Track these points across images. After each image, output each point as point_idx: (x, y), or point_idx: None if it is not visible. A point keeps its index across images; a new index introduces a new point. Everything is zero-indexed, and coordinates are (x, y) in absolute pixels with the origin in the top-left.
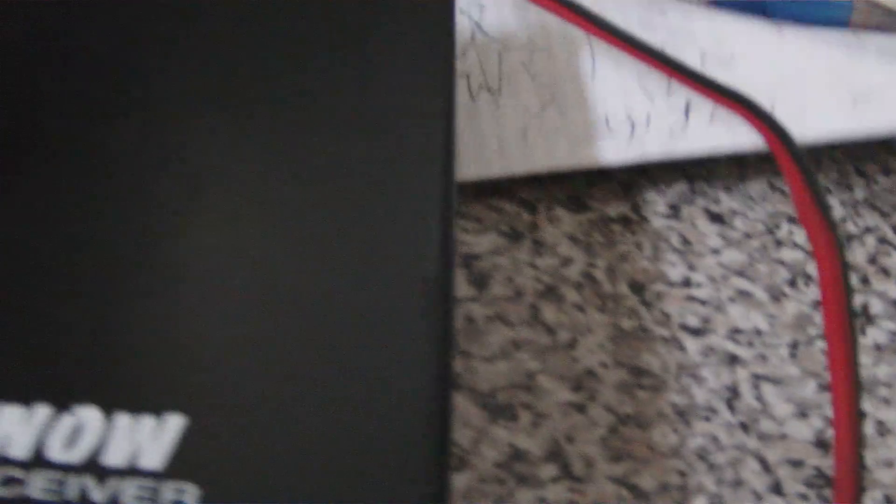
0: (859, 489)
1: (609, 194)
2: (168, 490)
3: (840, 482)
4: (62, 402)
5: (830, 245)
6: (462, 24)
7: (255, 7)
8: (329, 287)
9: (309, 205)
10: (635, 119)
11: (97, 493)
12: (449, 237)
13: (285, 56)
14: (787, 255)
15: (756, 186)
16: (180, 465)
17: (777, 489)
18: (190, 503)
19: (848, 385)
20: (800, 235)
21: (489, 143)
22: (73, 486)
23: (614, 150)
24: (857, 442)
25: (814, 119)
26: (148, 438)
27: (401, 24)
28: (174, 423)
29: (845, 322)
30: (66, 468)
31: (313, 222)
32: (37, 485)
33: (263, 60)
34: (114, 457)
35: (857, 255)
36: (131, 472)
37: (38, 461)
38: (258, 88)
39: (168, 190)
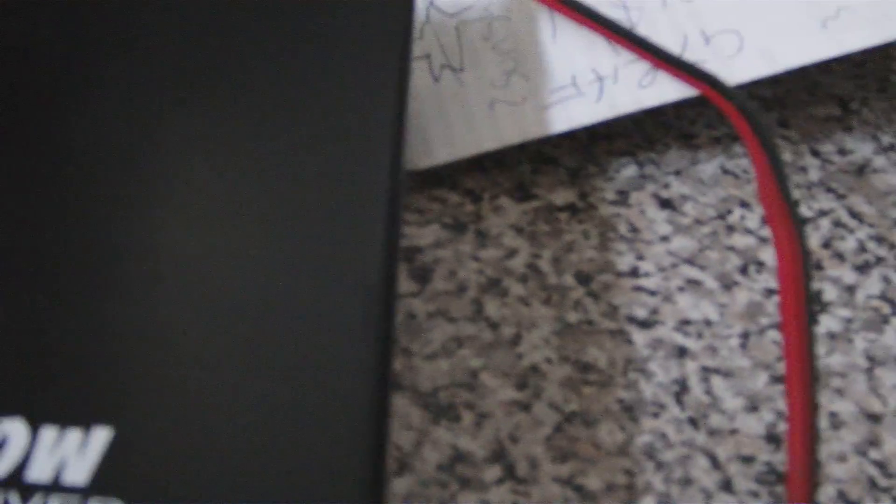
0: (813, 485)
1: (555, 181)
2: None
3: (793, 478)
4: None
5: (791, 235)
6: (416, 4)
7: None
8: (268, 287)
9: (254, 203)
10: (602, 73)
11: None
12: (394, 237)
13: (239, 46)
14: (739, 241)
15: (708, 169)
16: (106, 479)
17: (727, 486)
18: None
19: (803, 376)
20: (752, 220)
21: (456, 124)
22: None
23: (585, 110)
24: (810, 436)
25: (784, 46)
26: (73, 452)
27: (357, 13)
28: (100, 437)
29: (802, 311)
30: None
31: (257, 221)
32: None
33: (218, 54)
34: (38, 472)
35: (812, 239)
36: (55, 487)
37: None
38: (212, 83)
39: (104, 189)
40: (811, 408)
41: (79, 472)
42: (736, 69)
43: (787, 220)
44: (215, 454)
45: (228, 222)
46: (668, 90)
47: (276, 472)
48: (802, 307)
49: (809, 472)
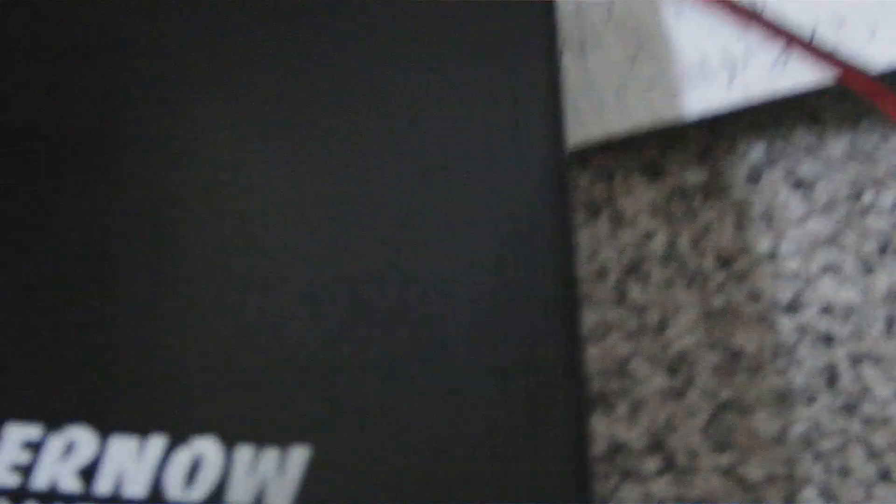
0: None
1: (685, 159)
2: None
3: None
4: (179, 435)
5: None
6: None
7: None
8: (453, 289)
9: (427, 203)
10: (732, 56)
11: None
12: (566, 226)
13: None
14: (874, 222)
15: (837, 149)
16: (307, 500)
17: (886, 476)
18: None
19: None
20: (886, 200)
21: (585, 109)
22: None
23: (717, 95)
24: None
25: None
26: (273, 473)
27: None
28: (299, 456)
29: None
30: None
31: (432, 222)
32: None
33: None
34: (236, 493)
35: None
36: None
37: (156, 498)
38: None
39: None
40: None
41: (280, 494)
42: (867, 57)
43: None
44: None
45: (401, 225)
46: (803, 75)
47: (482, 474)
48: None
49: None
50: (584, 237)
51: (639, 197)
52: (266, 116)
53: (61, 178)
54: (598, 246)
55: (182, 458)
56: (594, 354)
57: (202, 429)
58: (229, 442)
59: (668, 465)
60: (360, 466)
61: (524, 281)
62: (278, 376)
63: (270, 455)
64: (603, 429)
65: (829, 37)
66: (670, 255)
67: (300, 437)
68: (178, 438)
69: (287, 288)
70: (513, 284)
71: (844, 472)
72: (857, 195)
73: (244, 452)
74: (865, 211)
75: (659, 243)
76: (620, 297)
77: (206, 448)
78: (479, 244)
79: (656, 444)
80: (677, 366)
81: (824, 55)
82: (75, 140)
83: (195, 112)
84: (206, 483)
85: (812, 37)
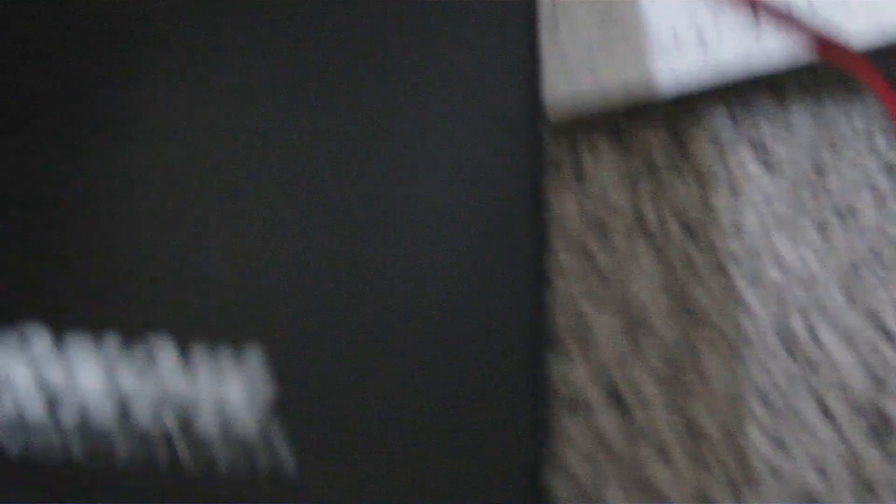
0: None
1: (647, 122)
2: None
3: None
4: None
5: None
6: None
7: None
8: (416, 253)
9: (400, 160)
10: (704, 31)
11: (188, 457)
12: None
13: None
14: (834, 185)
15: (799, 117)
16: (262, 399)
17: (828, 417)
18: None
19: None
20: (844, 165)
21: (557, 82)
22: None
23: (691, 70)
24: None
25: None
26: (228, 372)
27: None
28: (254, 356)
29: None
30: (154, 433)
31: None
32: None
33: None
34: (191, 392)
35: None
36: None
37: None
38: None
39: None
40: None
41: (235, 392)
42: (842, 29)
43: None
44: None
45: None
46: (777, 48)
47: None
48: None
49: None
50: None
51: (601, 156)
52: (237, 90)
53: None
54: (559, 202)
55: (137, 356)
56: (549, 301)
57: (157, 327)
58: (184, 341)
59: (618, 405)
60: (316, 369)
61: (496, 250)
62: (236, 277)
63: (225, 354)
64: (557, 371)
65: (804, 8)
66: (631, 213)
67: (255, 337)
68: (132, 336)
69: (252, 195)
70: (484, 253)
71: (790, 412)
72: (816, 161)
73: (199, 351)
74: (826, 177)
75: (619, 201)
76: (582, 252)
77: (161, 346)
78: (452, 209)
79: (608, 387)
80: (633, 316)
81: (800, 27)
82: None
83: (172, 84)
84: (160, 381)
85: (788, 8)
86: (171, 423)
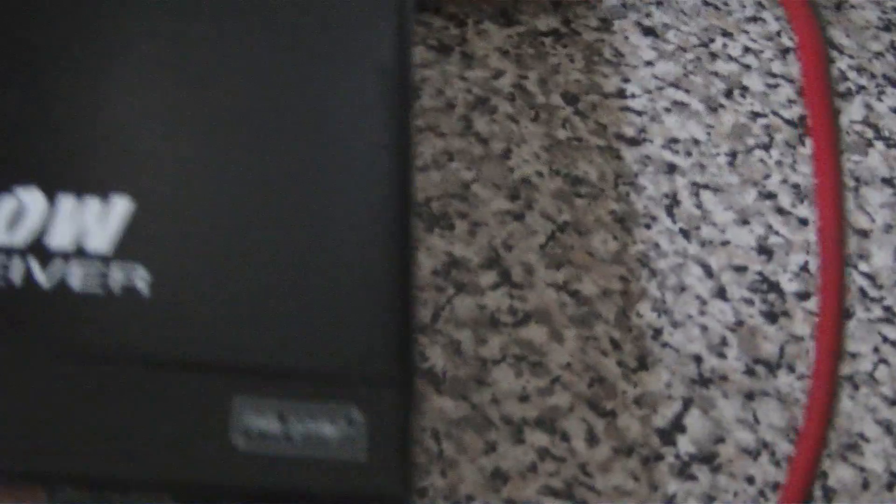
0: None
1: (538, 9)
2: (117, 272)
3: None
4: (2, 184)
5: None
6: None
7: None
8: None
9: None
10: None
11: (42, 275)
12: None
13: None
14: (723, 67)
15: (689, 0)
16: (128, 248)
17: (721, 294)
18: (141, 286)
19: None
20: (735, 49)
21: None
22: (17, 267)
23: None
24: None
25: None
26: (94, 221)
27: None
28: (121, 207)
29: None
30: (9, 250)
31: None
32: None
33: None
34: (58, 239)
35: (793, 69)
36: (78, 254)
37: None
38: None
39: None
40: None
41: (100, 240)
42: None
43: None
44: (234, 233)
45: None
46: None
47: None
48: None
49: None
50: (434, 74)
51: (490, 40)
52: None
53: None
54: (446, 82)
55: (5, 205)
56: (435, 178)
57: (25, 178)
58: (51, 190)
59: (504, 280)
60: (180, 223)
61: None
62: (105, 129)
63: (91, 203)
64: (441, 245)
65: None
66: (518, 92)
67: (121, 189)
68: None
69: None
70: (349, 122)
71: (680, 289)
72: (706, 43)
73: (66, 201)
74: (713, 57)
75: (507, 81)
76: (466, 128)
77: (28, 196)
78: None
79: (493, 261)
80: (518, 191)
81: None
82: None
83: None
84: (28, 229)
85: None
86: (23, 239)
